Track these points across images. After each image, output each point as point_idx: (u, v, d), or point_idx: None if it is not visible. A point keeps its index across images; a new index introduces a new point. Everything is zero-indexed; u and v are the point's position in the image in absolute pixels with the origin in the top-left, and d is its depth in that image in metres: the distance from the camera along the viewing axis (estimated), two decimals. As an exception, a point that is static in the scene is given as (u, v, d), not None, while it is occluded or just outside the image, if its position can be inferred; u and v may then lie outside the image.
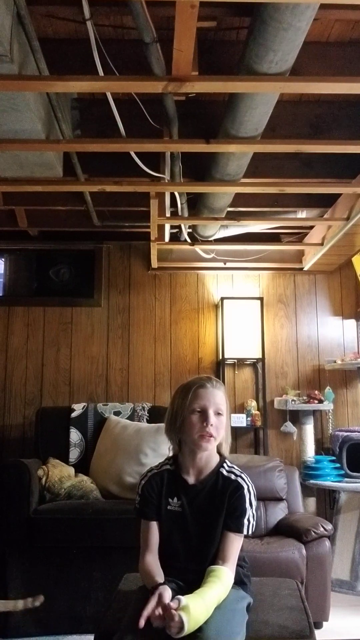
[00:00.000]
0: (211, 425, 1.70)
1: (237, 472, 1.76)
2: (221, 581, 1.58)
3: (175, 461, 1.81)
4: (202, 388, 1.74)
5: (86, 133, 2.79)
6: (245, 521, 1.69)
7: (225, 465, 1.78)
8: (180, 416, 1.75)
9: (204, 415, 1.71)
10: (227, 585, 1.60)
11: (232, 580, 1.64)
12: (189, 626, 1.41)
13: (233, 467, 1.78)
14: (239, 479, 1.73)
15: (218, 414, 1.73)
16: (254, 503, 1.73)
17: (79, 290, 4.31)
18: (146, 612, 1.45)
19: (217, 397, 1.74)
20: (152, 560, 1.70)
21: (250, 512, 1.70)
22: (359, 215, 3.06)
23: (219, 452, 1.80)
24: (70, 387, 4.14)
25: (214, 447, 1.76)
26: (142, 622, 1.43)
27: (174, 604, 1.43)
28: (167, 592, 1.53)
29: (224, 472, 1.76)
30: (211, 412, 1.71)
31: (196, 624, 1.44)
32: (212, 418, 1.71)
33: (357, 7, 2.20)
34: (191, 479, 1.77)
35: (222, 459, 1.79)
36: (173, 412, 1.78)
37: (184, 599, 1.44)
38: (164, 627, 1.44)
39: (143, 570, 1.69)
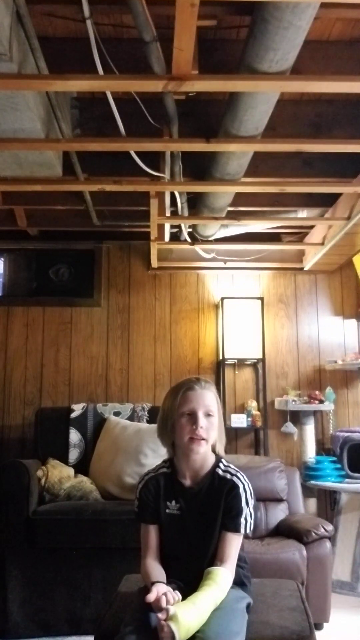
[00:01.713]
0: (201, 427, 1.68)
1: (233, 472, 1.74)
2: (217, 583, 1.57)
3: (171, 464, 1.80)
4: (190, 390, 1.72)
5: (86, 132, 2.78)
6: (242, 520, 1.68)
7: (221, 465, 1.76)
8: (171, 419, 1.73)
9: (193, 418, 1.69)
10: (224, 586, 1.59)
11: (230, 581, 1.63)
12: (180, 635, 1.39)
13: (229, 467, 1.76)
14: (235, 478, 1.72)
15: (208, 415, 1.71)
16: (251, 502, 1.71)
17: (78, 290, 4.30)
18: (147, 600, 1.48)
19: (206, 399, 1.72)
20: (153, 563, 1.71)
21: (247, 511, 1.69)
22: (360, 214, 3.06)
23: (214, 452, 1.78)
24: (69, 387, 4.13)
25: (207, 449, 1.74)
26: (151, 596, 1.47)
27: (162, 615, 1.42)
28: (162, 588, 1.52)
29: (220, 472, 1.74)
30: (200, 415, 1.69)
31: (188, 631, 1.42)
32: (202, 420, 1.69)
33: (358, 6, 2.19)
34: (187, 482, 1.76)
35: (218, 459, 1.78)
36: (164, 416, 1.77)
37: (172, 609, 1.43)
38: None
39: (144, 573, 1.69)
